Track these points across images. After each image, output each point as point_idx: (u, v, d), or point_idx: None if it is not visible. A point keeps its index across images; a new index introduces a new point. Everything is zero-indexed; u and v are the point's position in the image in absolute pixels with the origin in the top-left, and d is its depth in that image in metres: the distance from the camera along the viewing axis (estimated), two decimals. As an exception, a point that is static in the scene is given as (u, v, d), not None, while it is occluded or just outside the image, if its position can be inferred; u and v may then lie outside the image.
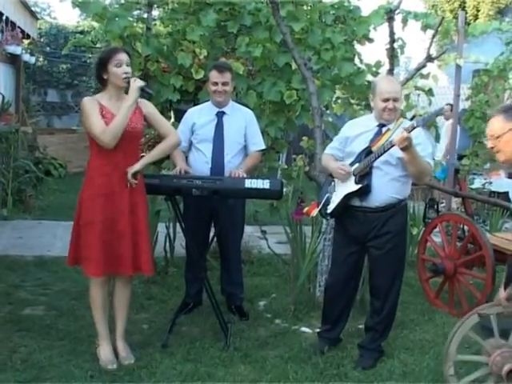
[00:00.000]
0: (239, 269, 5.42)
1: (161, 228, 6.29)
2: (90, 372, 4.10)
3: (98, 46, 15.53)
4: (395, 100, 4.28)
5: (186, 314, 5.14)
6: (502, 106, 3.48)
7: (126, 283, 4.39)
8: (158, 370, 4.17)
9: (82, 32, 18.18)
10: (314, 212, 4.70)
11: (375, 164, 4.25)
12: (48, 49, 18.30)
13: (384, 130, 4.31)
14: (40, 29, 16.84)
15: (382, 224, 4.34)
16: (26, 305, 5.34)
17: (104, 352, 4.29)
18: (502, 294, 3.63)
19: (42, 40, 17.81)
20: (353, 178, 4.31)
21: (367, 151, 4.28)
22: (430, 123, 6.81)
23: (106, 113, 4.11)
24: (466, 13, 17.73)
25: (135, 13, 6.83)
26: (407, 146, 3.99)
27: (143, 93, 4.18)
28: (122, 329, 4.41)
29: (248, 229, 6.86)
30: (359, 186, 4.26)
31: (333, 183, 4.51)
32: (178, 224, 6.03)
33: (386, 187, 4.29)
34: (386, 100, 4.27)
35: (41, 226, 8.35)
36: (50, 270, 6.36)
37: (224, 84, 4.97)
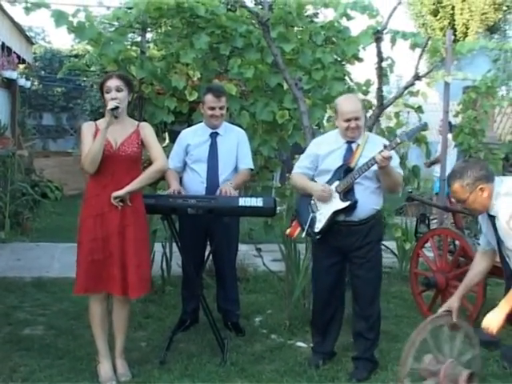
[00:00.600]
0: (235, 286, 5.51)
1: (157, 247, 6.38)
2: (89, 389, 4.19)
3: (92, 69, 15.70)
4: (357, 119, 4.46)
5: (183, 331, 5.22)
6: (457, 169, 3.70)
7: (124, 303, 4.46)
8: (157, 385, 4.26)
9: (76, 56, 18.34)
10: (297, 233, 4.80)
11: (357, 179, 4.41)
12: (43, 73, 18.47)
13: (354, 146, 4.51)
14: (35, 53, 17.03)
15: (365, 235, 4.52)
16: (26, 325, 5.42)
17: (104, 369, 4.38)
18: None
19: (36, 64, 17.97)
20: (336, 195, 4.45)
21: (345, 168, 4.46)
22: (420, 139, 6.94)
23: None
24: (456, 30, 17.97)
25: (129, 36, 6.94)
26: (387, 163, 4.21)
27: (114, 112, 4.24)
28: (121, 347, 4.50)
29: (243, 247, 6.96)
30: (348, 202, 4.41)
31: (312, 202, 4.62)
32: (174, 243, 6.16)
33: (368, 200, 4.49)
34: (348, 120, 4.46)
35: (38, 248, 8.43)
36: (49, 290, 6.44)
37: (221, 108, 5.11)
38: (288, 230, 4.91)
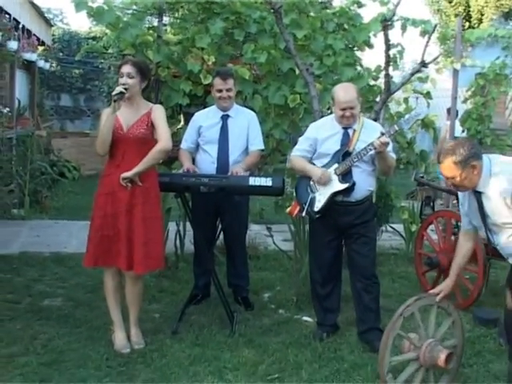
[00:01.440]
0: (245, 262, 5.75)
1: (171, 225, 6.63)
2: (105, 355, 4.44)
3: (109, 51, 15.93)
4: (351, 108, 4.70)
5: (195, 304, 5.47)
6: (448, 148, 3.72)
7: (135, 278, 4.67)
8: (169, 353, 4.51)
9: (94, 38, 18.58)
10: (296, 211, 5.03)
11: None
12: (61, 54, 18.68)
13: (350, 132, 4.76)
14: (53, 35, 17.23)
15: (360, 214, 4.79)
16: (45, 297, 5.69)
17: (118, 338, 4.63)
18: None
19: (55, 46, 18.19)
20: (335, 177, 4.70)
21: (344, 152, 4.71)
22: (428, 124, 7.11)
23: (116, 121, 4.48)
24: (471, 17, 17.97)
25: (146, 20, 7.15)
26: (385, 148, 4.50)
27: (116, 97, 4.43)
28: (135, 318, 4.74)
29: (255, 227, 7.20)
30: (347, 184, 4.68)
31: (311, 183, 4.84)
32: (187, 222, 6.41)
33: (364, 182, 4.77)
34: (343, 109, 4.70)
35: (57, 225, 8.70)
36: (67, 265, 6.71)
37: (228, 90, 5.31)
38: (288, 209, 5.15)
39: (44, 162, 10.48)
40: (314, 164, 4.86)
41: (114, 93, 4.43)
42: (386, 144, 4.48)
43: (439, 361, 3.86)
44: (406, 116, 5.05)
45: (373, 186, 4.93)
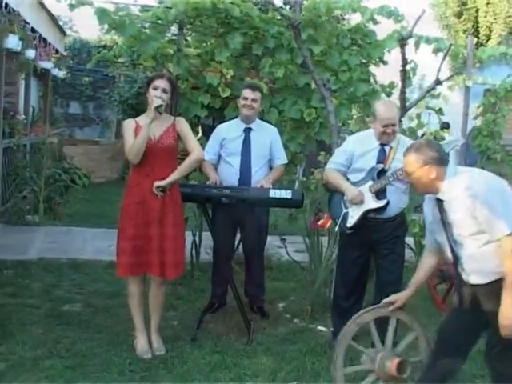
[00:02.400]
0: (262, 273, 5.88)
1: (187, 235, 6.74)
2: (128, 360, 4.58)
3: (120, 60, 16.07)
4: (393, 125, 4.80)
5: (212, 313, 5.60)
6: (415, 144, 3.74)
7: (160, 285, 4.84)
8: (189, 360, 4.64)
9: (104, 46, 18.74)
10: (329, 225, 5.16)
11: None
12: (71, 62, 18.85)
13: (387, 148, 4.85)
14: (64, 43, 17.42)
15: (391, 230, 4.89)
16: (65, 302, 5.83)
17: (140, 343, 4.77)
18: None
19: (65, 54, 18.35)
20: (369, 195, 4.80)
21: (380, 170, 4.82)
22: (438, 139, 7.24)
23: (140, 132, 4.64)
24: (479, 33, 18.11)
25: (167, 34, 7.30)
26: None
27: (158, 109, 4.63)
28: (157, 324, 4.88)
29: (268, 238, 7.30)
30: (381, 203, 4.79)
31: (345, 198, 4.94)
32: (203, 232, 6.56)
33: (398, 200, 4.87)
34: (385, 126, 4.79)
35: (71, 232, 8.84)
36: (84, 271, 6.85)
37: (253, 100, 5.48)
38: (320, 221, 5.27)
39: (58, 168, 10.62)
40: (347, 178, 4.96)
41: (155, 105, 4.59)
42: None
43: (390, 370, 3.80)
44: (447, 139, 5.13)
45: (405, 204, 5.01)
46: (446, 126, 10.31)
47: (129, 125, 4.76)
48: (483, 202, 3.42)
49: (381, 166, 4.83)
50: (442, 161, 3.61)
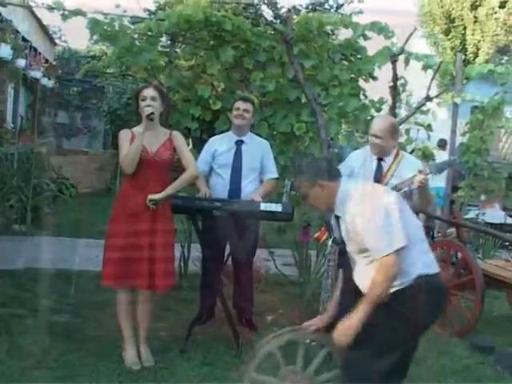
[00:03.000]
0: (251, 285, 5.88)
1: (176, 247, 6.75)
2: (117, 371, 4.58)
3: (109, 71, 16.08)
4: (377, 137, 4.86)
5: (200, 324, 5.59)
6: (298, 167, 3.67)
7: (147, 297, 4.85)
8: (178, 371, 4.66)
9: (93, 57, 18.73)
10: (324, 237, 5.18)
11: None
12: (60, 72, 18.82)
13: (384, 165, 4.90)
14: (54, 53, 17.42)
15: None
16: (53, 312, 5.79)
17: (129, 354, 4.77)
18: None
19: (54, 63, 18.34)
20: None
21: None
22: (428, 156, 7.33)
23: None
24: (466, 50, 18.30)
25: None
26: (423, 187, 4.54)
27: (150, 117, 4.67)
28: (144, 336, 4.89)
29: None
30: None
31: None
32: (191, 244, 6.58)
33: None
34: (372, 136, 4.90)
35: (58, 242, 8.78)
36: (71, 282, 6.81)
37: (245, 110, 5.54)
38: (317, 234, 5.29)
39: (45, 178, 10.59)
40: None
41: (146, 113, 4.63)
42: (424, 181, 4.48)
43: None
44: (444, 159, 5.18)
45: None
46: (442, 143, 10.37)
47: (125, 135, 4.78)
48: (365, 220, 3.35)
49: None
50: (330, 175, 3.55)
